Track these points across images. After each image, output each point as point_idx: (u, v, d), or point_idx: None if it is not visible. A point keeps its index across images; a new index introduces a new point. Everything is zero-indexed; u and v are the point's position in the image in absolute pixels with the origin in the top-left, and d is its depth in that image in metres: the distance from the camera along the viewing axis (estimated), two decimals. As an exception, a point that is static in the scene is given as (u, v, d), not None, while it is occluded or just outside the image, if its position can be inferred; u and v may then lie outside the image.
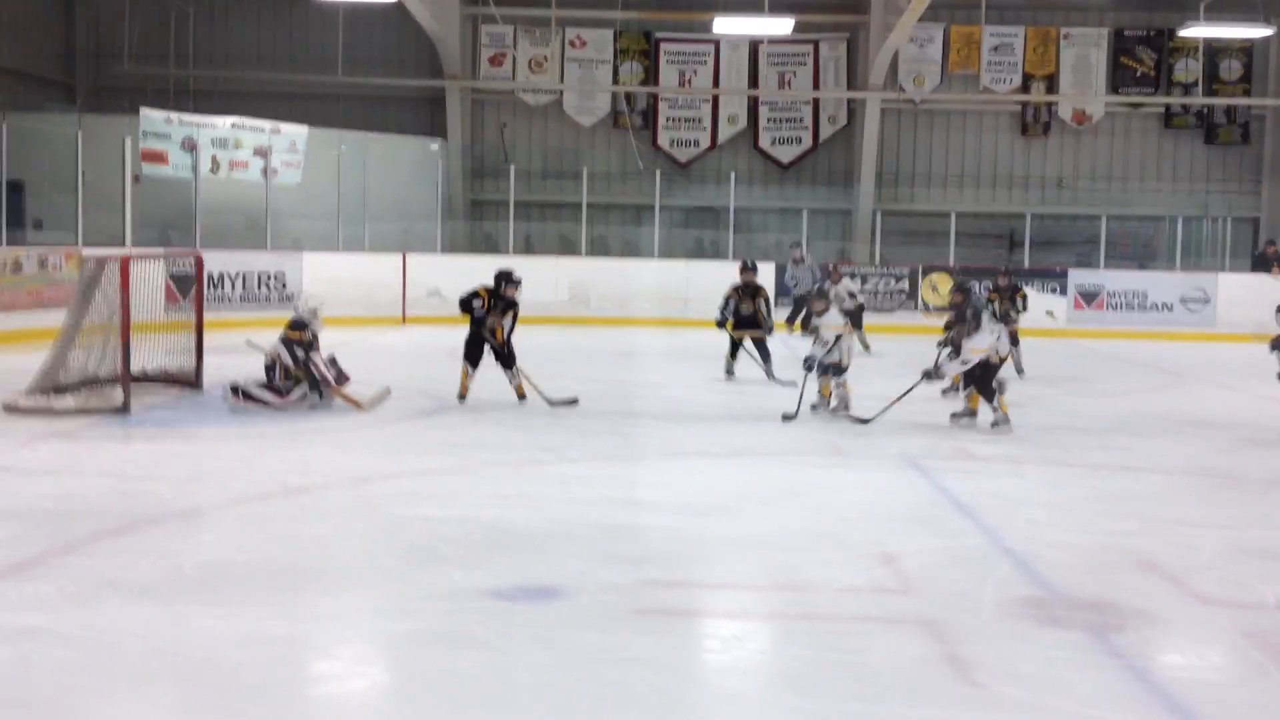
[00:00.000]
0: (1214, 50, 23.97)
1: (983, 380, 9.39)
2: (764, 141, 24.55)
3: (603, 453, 8.37)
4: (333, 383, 9.74)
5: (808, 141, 24.52)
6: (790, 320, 16.16)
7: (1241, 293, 19.14)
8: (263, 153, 19.18)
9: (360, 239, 20.04)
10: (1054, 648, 4.47)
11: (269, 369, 9.81)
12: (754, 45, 24.10)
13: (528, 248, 21.62)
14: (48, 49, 23.12)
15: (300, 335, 9.76)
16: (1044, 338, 17.09)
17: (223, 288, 17.34)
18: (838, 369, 9.89)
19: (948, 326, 10.21)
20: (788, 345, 14.24)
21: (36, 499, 6.47)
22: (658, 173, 21.52)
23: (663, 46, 24.23)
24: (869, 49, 23.07)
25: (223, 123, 18.92)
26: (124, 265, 9.64)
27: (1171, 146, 24.58)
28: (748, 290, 12.38)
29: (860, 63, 23.70)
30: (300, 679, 4.14)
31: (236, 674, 4.04)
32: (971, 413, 9.62)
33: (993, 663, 4.32)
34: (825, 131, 24.49)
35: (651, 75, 24.27)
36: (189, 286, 11.46)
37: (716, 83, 24.25)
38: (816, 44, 24.14)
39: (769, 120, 24.55)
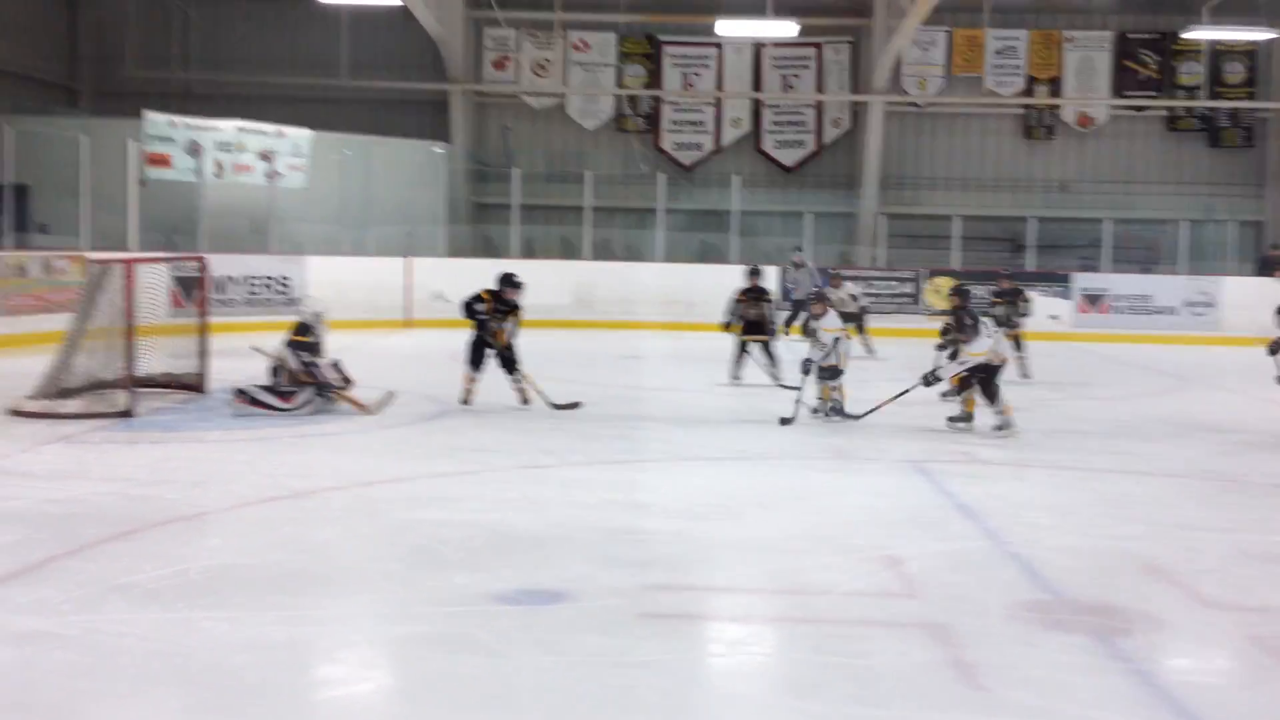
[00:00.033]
0: (1218, 53, 23.96)
1: (985, 384, 9.39)
2: (767, 145, 24.55)
3: (605, 456, 8.37)
4: (337, 387, 9.76)
5: (811, 145, 24.53)
6: (788, 323, 16.14)
7: (1246, 296, 19.07)
8: (267, 156, 19.20)
9: (364, 242, 20.08)
10: (1058, 651, 4.46)
11: (273, 373, 9.83)
12: (757, 48, 24.11)
13: (531, 251, 21.63)
14: (52, 53, 23.19)
15: (305, 339, 9.79)
16: (1048, 341, 17.09)
17: (227, 291, 17.35)
18: (834, 372, 9.90)
19: (944, 331, 10.20)
20: (791, 350, 14.21)
21: (41, 503, 6.48)
22: (661, 176, 21.50)
23: (666, 49, 24.24)
24: (872, 52, 23.09)
25: (227, 126, 18.94)
26: (129, 269, 9.66)
27: (1175, 149, 24.55)
28: (753, 294, 12.39)
29: (864, 66, 23.71)
30: (304, 682, 4.14)
31: (240, 677, 4.05)
32: (968, 417, 9.59)
33: (997, 666, 4.31)
34: (829, 135, 24.49)
35: (655, 78, 24.29)
36: (193, 290, 11.46)
37: (720, 86, 24.27)
38: (820, 47, 24.14)
39: (772, 123, 24.56)
